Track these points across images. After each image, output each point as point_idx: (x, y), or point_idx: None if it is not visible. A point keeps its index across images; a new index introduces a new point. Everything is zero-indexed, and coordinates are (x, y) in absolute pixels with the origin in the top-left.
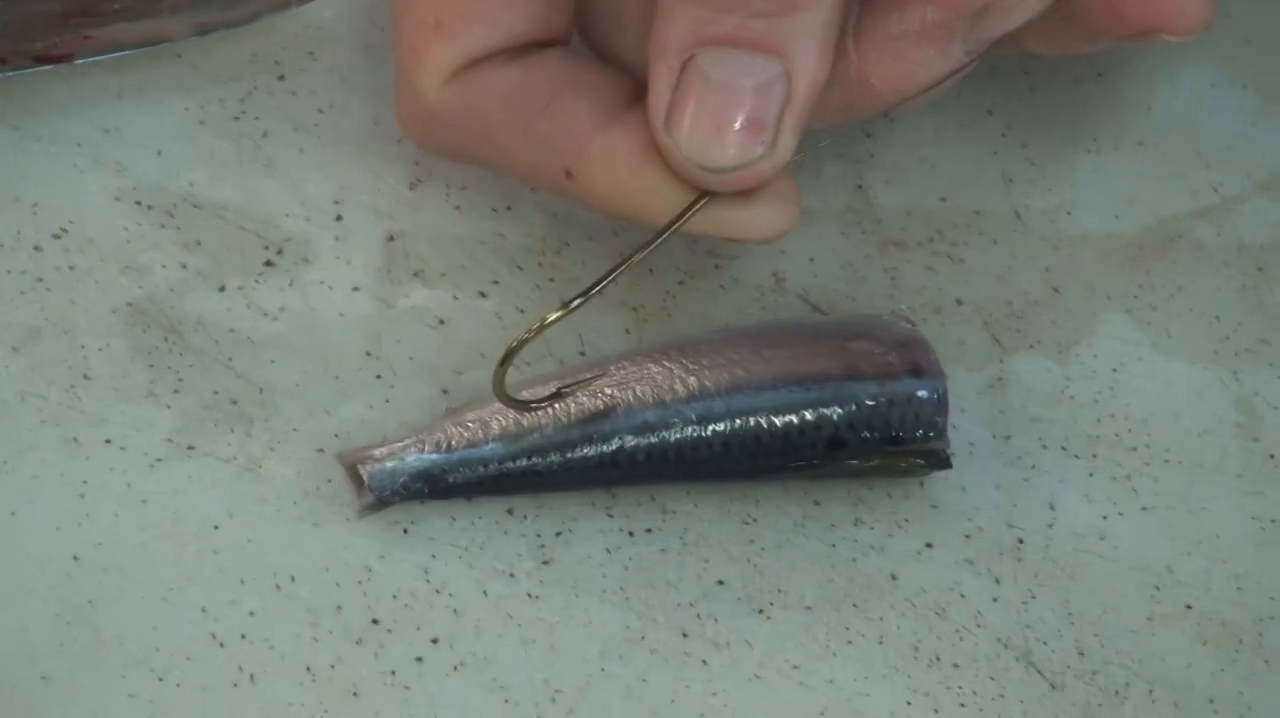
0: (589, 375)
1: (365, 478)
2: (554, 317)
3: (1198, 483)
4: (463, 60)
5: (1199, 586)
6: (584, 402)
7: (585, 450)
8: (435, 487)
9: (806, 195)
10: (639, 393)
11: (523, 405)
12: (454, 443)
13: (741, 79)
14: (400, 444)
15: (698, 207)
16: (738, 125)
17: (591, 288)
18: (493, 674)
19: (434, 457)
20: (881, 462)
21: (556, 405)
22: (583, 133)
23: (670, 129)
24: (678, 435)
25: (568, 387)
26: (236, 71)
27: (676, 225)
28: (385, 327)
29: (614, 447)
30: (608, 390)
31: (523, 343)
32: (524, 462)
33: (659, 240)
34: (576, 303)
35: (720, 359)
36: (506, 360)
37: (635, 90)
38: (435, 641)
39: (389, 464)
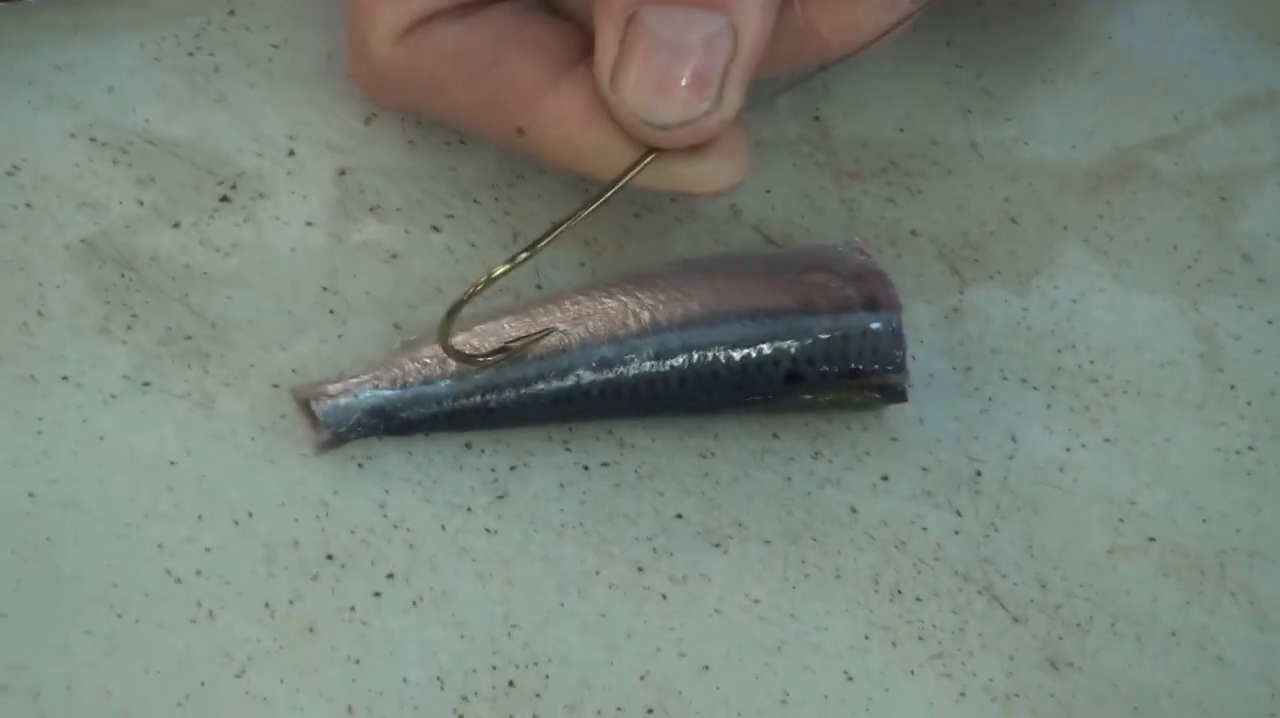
0: (538, 331)
1: (319, 414)
2: (500, 271)
3: (1159, 414)
4: (411, 19)
5: (1162, 518)
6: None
7: (541, 387)
8: (390, 423)
9: (762, 127)
10: (594, 328)
11: (468, 360)
12: (408, 379)
13: (687, 35)
14: (355, 380)
15: (644, 163)
16: (683, 82)
17: (537, 242)
18: (450, 609)
19: (388, 393)
20: (838, 395)
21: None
22: (532, 91)
23: (615, 86)
24: (634, 371)
25: (515, 342)
26: (189, 7)
27: (622, 183)
28: (339, 262)
29: (570, 383)
30: (563, 326)
31: (468, 297)
32: (479, 398)
33: (606, 197)
34: (523, 257)
35: (676, 293)
36: (451, 315)
37: (584, 45)
38: (392, 576)
39: (343, 400)
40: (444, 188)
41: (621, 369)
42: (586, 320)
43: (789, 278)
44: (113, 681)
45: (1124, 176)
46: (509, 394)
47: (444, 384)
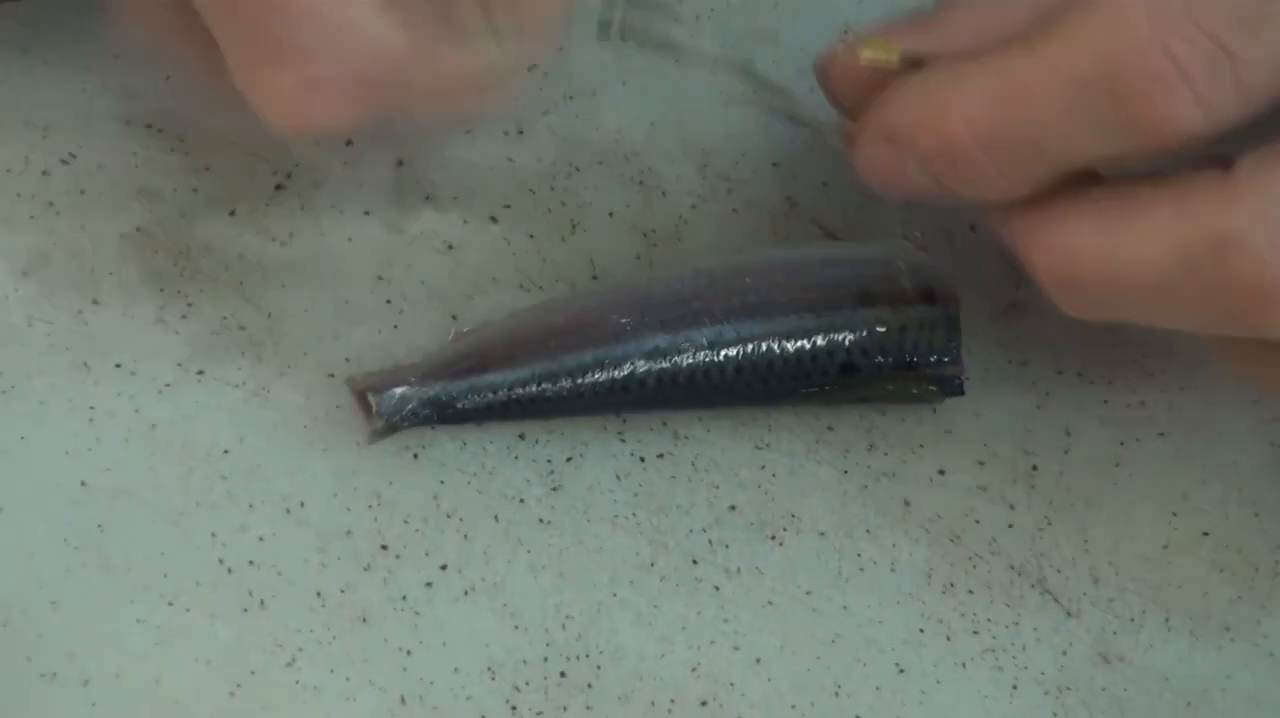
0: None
1: (374, 404)
2: None
3: (1214, 409)
4: None
5: (1216, 513)
6: (595, 327)
7: (596, 376)
8: (444, 413)
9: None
10: (650, 318)
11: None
12: (463, 369)
13: None
14: (410, 369)
15: None
16: None
17: None
18: (503, 600)
19: (444, 382)
20: (895, 387)
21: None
22: None
23: None
24: (689, 361)
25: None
26: None
27: None
28: (395, 252)
29: (625, 372)
30: (616, 316)
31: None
32: (534, 387)
33: None
34: None
35: (732, 284)
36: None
37: None
38: (445, 567)
39: (398, 390)
40: (501, 179)
41: (676, 359)
42: (643, 310)
43: (846, 270)
44: (163, 670)
45: None
46: (564, 383)
47: (498, 374)
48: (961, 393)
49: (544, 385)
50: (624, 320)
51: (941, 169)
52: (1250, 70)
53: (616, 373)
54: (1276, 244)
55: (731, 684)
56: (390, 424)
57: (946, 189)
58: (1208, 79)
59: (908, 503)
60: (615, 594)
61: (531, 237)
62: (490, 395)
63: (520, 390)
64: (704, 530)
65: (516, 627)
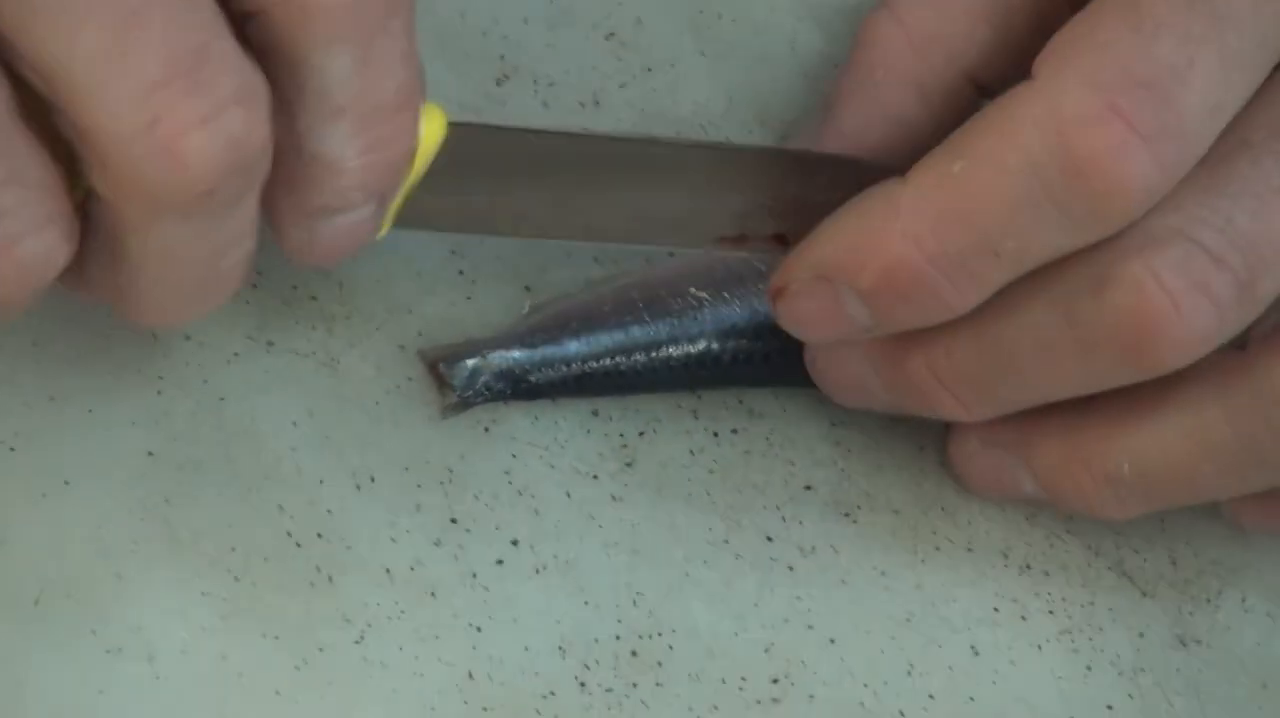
0: None
1: (448, 377)
2: None
3: None
4: None
5: None
6: (670, 301)
7: (671, 350)
8: (518, 386)
9: None
10: (726, 292)
11: None
12: (537, 342)
13: None
14: (483, 343)
15: None
16: None
17: None
18: (574, 577)
19: (517, 355)
20: None
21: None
22: None
23: None
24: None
25: None
26: None
27: None
28: None
29: (700, 347)
30: (693, 290)
31: None
32: (608, 361)
33: None
34: None
35: None
36: None
37: None
38: (516, 542)
39: (471, 363)
40: None
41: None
42: (719, 284)
43: None
44: (229, 644)
45: None
46: (638, 358)
47: (573, 347)
48: None
49: (618, 359)
50: (700, 294)
51: (886, 299)
52: (1189, 114)
53: (691, 348)
54: None
55: (804, 663)
56: (463, 398)
57: (888, 321)
58: (1156, 129)
59: None
60: (688, 573)
61: None
62: (564, 369)
63: (594, 364)
64: (778, 508)
65: (587, 603)
